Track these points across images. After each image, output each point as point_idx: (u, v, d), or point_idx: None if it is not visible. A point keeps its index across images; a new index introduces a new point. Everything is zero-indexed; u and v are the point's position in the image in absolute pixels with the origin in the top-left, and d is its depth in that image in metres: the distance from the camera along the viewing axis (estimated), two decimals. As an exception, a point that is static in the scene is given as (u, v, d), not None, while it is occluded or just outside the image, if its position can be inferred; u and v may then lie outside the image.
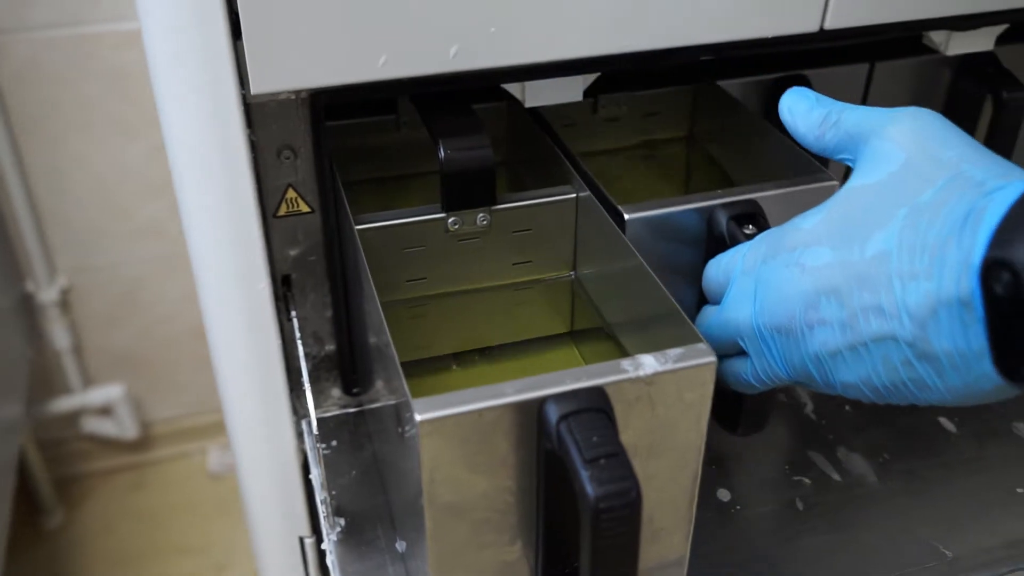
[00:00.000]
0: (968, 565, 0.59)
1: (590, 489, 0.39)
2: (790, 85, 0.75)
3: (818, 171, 0.61)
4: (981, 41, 0.71)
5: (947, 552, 0.59)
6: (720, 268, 0.52)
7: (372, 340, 0.58)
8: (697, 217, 0.57)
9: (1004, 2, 0.65)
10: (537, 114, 0.69)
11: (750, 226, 0.54)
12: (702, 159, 0.78)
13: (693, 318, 0.57)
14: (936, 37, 0.70)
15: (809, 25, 0.61)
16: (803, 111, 0.51)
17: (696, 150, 0.79)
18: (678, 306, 0.50)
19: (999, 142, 0.79)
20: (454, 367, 0.66)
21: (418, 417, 0.41)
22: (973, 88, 0.80)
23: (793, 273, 0.46)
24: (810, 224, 0.46)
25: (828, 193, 0.55)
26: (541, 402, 0.42)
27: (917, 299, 0.40)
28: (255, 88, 0.53)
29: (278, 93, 0.58)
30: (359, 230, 0.57)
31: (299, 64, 0.53)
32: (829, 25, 0.61)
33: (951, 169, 0.42)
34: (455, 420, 0.41)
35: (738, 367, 0.50)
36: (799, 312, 0.45)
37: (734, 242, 0.54)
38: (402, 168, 0.73)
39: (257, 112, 0.59)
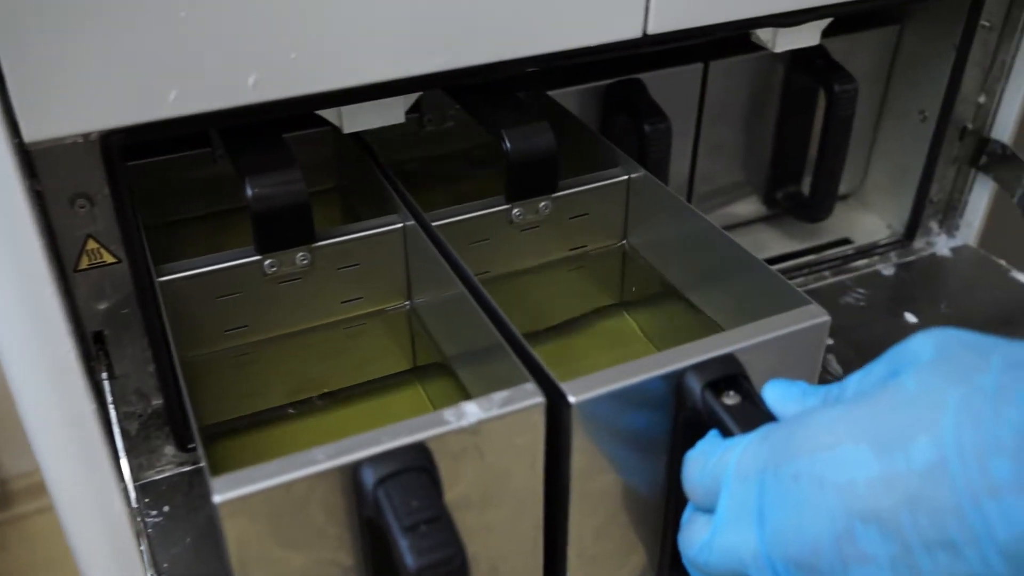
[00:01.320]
0: None
1: (409, 560, 0.36)
2: (624, 90, 0.74)
3: (796, 298, 0.48)
4: (807, 36, 0.71)
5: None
6: (706, 470, 0.40)
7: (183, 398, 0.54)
8: (662, 385, 0.44)
9: (823, -2, 0.64)
10: (359, 137, 0.65)
11: (731, 392, 0.43)
12: (637, 263, 0.66)
13: (662, 513, 0.48)
14: (763, 35, 0.70)
15: (632, 31, 0.59)
16: (796, 395, 0.41)
17: (631, 253, 0.67)
18: (501, 337, 0.47)
19: (834, 134, 0.79)
20: (290, 412, 0.62)
21: (217, 498, 0.37)
22: (806, 82, 0.80)
23: (810, 489, 0.34)
24: (826, 420, 0.35)
25: (822, 332, 0.47)
26: (356, 466, 0.39)
27: (1007, 526, 0.29)
28: (29, 135, 0.48)
29: (62, 138, 0.52)
30: (162, 282, 0.52)
31: (76, 106, 0.48)
32: (652, 30, 0.59)
33: (1000, 353, 0.32)
34: (261, 497, 0.38)
35: None
36: (827, 544, 0.34)
37: (713, 417, 0.42)
38: (227, 202, 0.69)
39: (41, 159, 0.53)
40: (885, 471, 0.32)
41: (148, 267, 0.57)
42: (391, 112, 0.59)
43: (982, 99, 0.82)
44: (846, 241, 0.89)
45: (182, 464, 0.65)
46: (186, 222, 0.68)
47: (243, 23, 0.49)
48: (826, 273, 0.84)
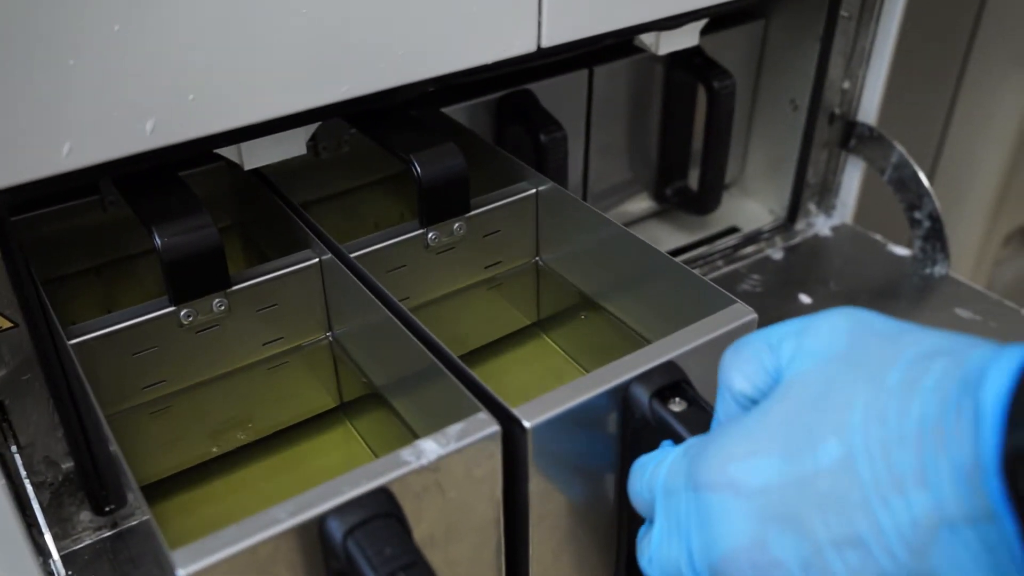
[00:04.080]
0: None
1: (394, 610, 0.35)
2: (515, 101, 0.74)
3: (720, 298, 0.49)
4: (687, 37, 0.73)
5: None
6: (643, 483, 0.40)
7: (114, 456, 0.51)
8: (610, 399, 0.44)
9: (702, 0, 0.67)
10: (257, 171, 0.63)
11: (677, 399, 0.43)
12: (552, 278, 0.66)
13: (626, 533, 0.48)
14: (647, 39, 0.72)
15: (527, 46, 0.60)
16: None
17: (545, 268, 0.66)
18: (438, 361, 0.47)
19: (717, 129, 0.82)
20: (219, 465, 0.59)
21: (180, 573, 0.35)
22: (685, 80, 0.83)
23: (725, 498, 0.34)
24: (741, 428, 0.35)
25: (750, 329, 0.48)
26: (321, 520, 0.38)
27: (910, 518, 0.29)
28: (-92, 203, 0.44)
29: (-58, 202, 0.49)
30: (73, 345, 0.49)
31: (-40, 169, 0.45)
32: (546, 43, 0.60)
33: (911, 343, 0.32)
34: (225, 565, 0.36)
35: None
36: (743, 553, 0.33)
37: (663, 426, 0.43)
38: (121, 250, 0.65)
39: (-80, 226, 0.50)
40: (795, 473, 0.32)
41: (49, 328, 0.53)
42: (292, 145, 0.58)
43: (846, 85, 0.87)
44: (733, 229, 0.92)
45: (100, 529, 0.62)
46: (76, 275, 0.64)
47: (137, 66, 0.46)
48: (719, 263, 0.87)
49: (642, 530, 0.43)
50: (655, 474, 0.39)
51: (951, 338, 0.32)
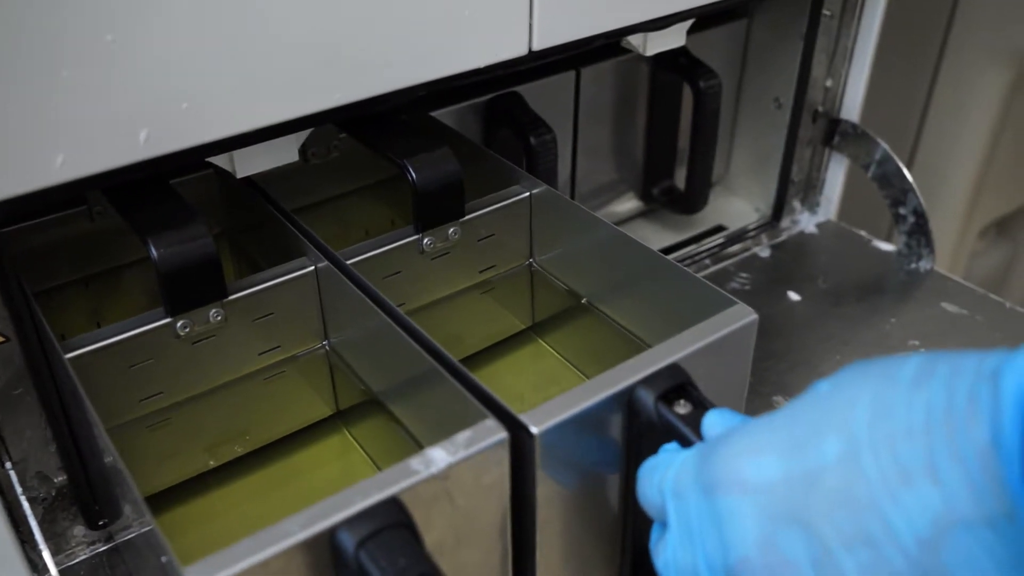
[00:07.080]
0: None
1: (410, 622, 0.35)
2: (503, 104, 0.74)
3: (721, 299, 0.49)
4: (674, 38, 0.73)
5: None
6: (652, 486, 0.40)
7: (111, 469, 0.50)
8: (615, 403, 0.44)
9: (690, 1, 0.67)
10: (248, 179, 0.63)
11: (682, 402, 0.43)
12: (547, 281, 0.65)
13: (630, 535, 0.48)
14: (634, 40, 0.72)
15: (518, 50, 0.59)
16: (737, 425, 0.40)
17: (539, 271, 0.66)
18: (440, 367, 0.46)
19: (703, 128, 0.83)
20: (218, 477, 0.59)
21: (193, 590, 0.35)
22: (671, 80, 0.83)
23: (733, 499, 0.34)
24: (746, 430, 0.35)
25: (752, 330, 0.48)
26: (332, 532, 0.37)
27: (921, 512, 0.28)
28: (-102, 217, 0.44)
29: (-67, 217, 0.48)
30: (70, 359, 0.49)
31: (-49, 183, 0.44)
32: (537, 46, 0.60)
33: (922, 356, 0.32)
34: (237, 581, 0.36)
35: None
36: (754, 554, 0.33)
37: (668, 428, 0.43)
38: (108, 260, 0.65)
39: (-91, 240, 0.49)
40: (799, 470, 0.32)
41: (41, 341, 0.53)
42: (284, 152, 0.58)
43: (829, 83, 0.87)
44: (719, 227, 0.93)
45: (94, 543, 0.61)
46: (64, 287, 0.63)
47: (131, 76, 0.46)
48: (707, 261, 0.87)
49: (655, 533, 0.43)
50: (664, 477, 0.40)
51: (962, 351, 0.32)
